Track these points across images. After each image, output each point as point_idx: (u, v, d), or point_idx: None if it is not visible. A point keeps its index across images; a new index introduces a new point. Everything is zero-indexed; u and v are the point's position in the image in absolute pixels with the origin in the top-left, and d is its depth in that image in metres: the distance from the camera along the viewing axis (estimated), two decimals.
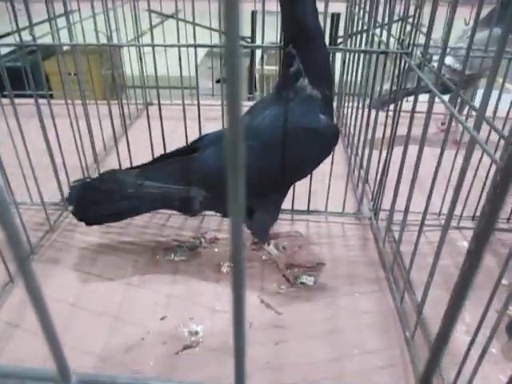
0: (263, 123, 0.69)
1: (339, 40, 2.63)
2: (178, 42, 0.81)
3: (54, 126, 0.87)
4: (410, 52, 0.75)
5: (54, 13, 0.89)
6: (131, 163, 0.92)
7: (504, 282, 0.81)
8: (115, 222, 0.85)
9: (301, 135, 0.68)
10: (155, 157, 0.82)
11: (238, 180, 0.16)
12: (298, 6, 0.63)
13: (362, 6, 1.07)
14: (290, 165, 0.71)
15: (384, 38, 0.81)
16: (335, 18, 2.91)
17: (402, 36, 0.77)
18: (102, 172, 0.83)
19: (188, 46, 0.79)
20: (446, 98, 1.24)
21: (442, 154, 0.62)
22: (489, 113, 0.57)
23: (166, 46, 0.82)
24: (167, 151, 0.89)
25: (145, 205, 0.78)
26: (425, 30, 0.69)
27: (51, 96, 1.44)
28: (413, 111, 0.72)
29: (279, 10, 0.66)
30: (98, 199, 0.79)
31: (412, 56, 0.76)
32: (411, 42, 0.75)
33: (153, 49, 0.80)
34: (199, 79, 2.84)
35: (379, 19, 0.91)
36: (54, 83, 2.52)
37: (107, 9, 1.13)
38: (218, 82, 2.46)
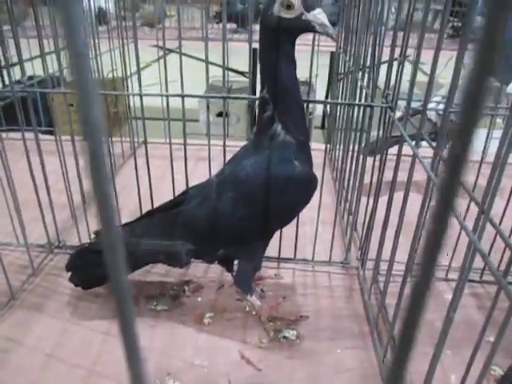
0: (241, 174, 0.70)
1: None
2: (167, 90, 0.82)
3: (41, 163, 0.87)
4: (394, 106, 0.76)
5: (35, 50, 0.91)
6: (117, 208, 0.92)
7: (490, 339, 0.79)
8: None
9: (276, 184, 0.69)
10: (143, 213, 0.84)
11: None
12: (274, 55, 0.65)
13: (352, 51, 1.09)
14: (268, 213, 0.71)
15: (370, 90, 0.83)
16: (333, 56, 2.98)
17: (386, 90, 0.78)
18: (96, 230, 0.83)
19: (176, 95, 0.81)
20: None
21: (424, 200, 0.61)
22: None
23: (153, 95, 0.83)
24: (155, 198, 0.90)
25: (135, 262, 0.78)
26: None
27: (50, 132, 1.46)
28: (397, 161, 0.73)
29: None
30: (93, 262, 0.79)
31: (396, 109, 0.77)
32: (395, 96, 0.76)
33: (141, 98, 0.82)
34: (199, 113, 2.85)
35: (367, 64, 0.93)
36: (54, 115, 2.57)
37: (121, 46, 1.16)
38: (218, 115, 2.51)
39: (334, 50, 2.08)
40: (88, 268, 0.80)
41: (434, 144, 0.61)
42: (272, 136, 0.69)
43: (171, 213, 0.76)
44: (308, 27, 0.63)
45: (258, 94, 0.71)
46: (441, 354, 0.52)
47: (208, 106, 0.80)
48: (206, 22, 0.81)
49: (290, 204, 0.72)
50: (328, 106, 2.21)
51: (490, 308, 0.44)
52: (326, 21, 0.62)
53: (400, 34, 0.75)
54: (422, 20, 0.63)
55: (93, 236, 0.87)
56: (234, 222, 0.71)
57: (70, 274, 0.82)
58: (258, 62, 0.69)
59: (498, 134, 0.89)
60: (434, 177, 0.56)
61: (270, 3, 0.63)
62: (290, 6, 0.61)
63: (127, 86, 1.20)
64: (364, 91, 0.90)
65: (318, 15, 0.62)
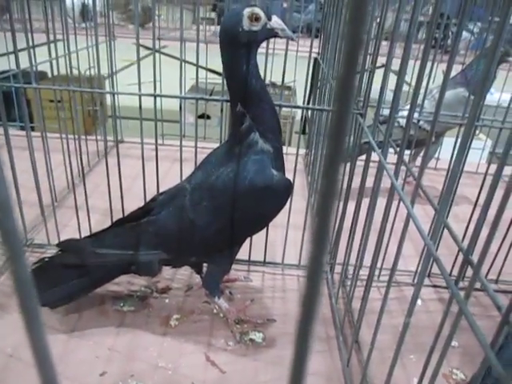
0: (217, 183, 0.69)
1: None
2: (140, 91, 0.81)
3: (10, 159, 0.85)
4: (364, 113, 0.77)
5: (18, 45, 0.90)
6: (87, 208, 0.91)
7: (454, 343, 0.80)
8: (79, 298, 0.79)
9: (254, 194, 0.69)
10: (112, 222, 0.81)
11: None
12: (243, 67, 0.65)
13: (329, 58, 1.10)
14: (245, 222, 0.71)
15: None
16: (316, 62, 3.00)
17: (357, 97, 0.79)
18: (59, 242, 0.80)
19: (148, 95, 0.80)
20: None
21: (387, 206, 0.62)
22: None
23: (127, 94, 0.82)
24: (127, 198, 0.88)
25: (104, 275, 0.77)
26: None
27: (32, 128, 1.42)
28: (365, 166, 0.74)
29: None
30: (58, 278, 0.76)
31: (366, 116, 0.78)
32: (365, 103, 0.77)
33: (114, 96, 0.81)
34: (183, 114, 2.86)
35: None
36: (34, 110, 2.52)
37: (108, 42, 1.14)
38: (199, 117, 2.51)
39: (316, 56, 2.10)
40: (52, 285, 0.75)
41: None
42: (250, 145, 0.69)
43: (142, 222, 0.74)
44: (272, 34, 0.66)
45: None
46: (397, 359, 0.53)
47: (181, 107, 0.80)
48: (182, 22, 0.81)
49: (268, 212, 0.72)
50: (309, 110, 2.24)
51: (444, 314, 0.45)
52: (284, 26, 0.66)
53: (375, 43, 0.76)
54: (408, 31, 0.64)
55: (55, 250, 0.81)
56: (210, 231, 0.70)
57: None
58: (225, 78, 0.69)
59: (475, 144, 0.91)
60: (397, 183, 0.57)
61: (238, 20, 0.63)
62: (257, 19, 0.63)
63: (103, 85, 1.19)
64: None
65: (279, 21, 0.65)
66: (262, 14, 0.63)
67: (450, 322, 0.87)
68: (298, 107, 0.83)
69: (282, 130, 0.73)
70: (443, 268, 0.42)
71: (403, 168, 0.61)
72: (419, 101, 1.25)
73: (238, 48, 0.65)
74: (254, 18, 0.63)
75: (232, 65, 0.66)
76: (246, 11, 0.63)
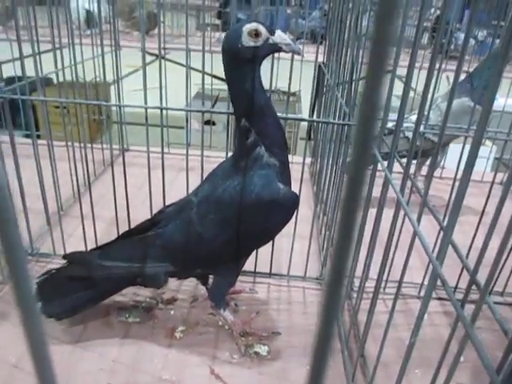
0: (224, 197, 0.69)
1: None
2: (145, 102, 0.82)
3: (16, 167, 0.85)
4: None
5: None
6: (93, 217, 0.91)
7: (461, 358, 0.79)
8: (85, 310, 0.78)
9: (261, 207, 0.69)
10: (118, 232, 0.82)
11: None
12: (246, 83, 0.65)
13: (333, 67, 1.10)
14: (251, 236, 0.72)
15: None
16: (320, 68, 3.00)
17: None
18: (66, 254, 0.80)
19: (155, 107, 0.80)
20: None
21: (395, 217, 0.62)
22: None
23: (133, 106, 0.83)
24: (132, 208, 0.89)
25: (111, 287, 0.77)
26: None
27: (38, 136, 1.41)
28: (371, 179, 0.74)
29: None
30: (65, 290, 0.76)
31: None
32: None
33: (120, 109, 0.81)
34: (188, 124, 2.87)
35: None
36: (40, 116, 2.54)
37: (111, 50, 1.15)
38: (206, 123, 2.52)
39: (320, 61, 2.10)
40: (59, 297, 0.76)
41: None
42: (255, 158, 0.69)
43: (149, 235, 0.74)
44: (275, 49, 0.65)
45: None
46: (403, 377, 0.52)
47: (187, 119, 0.80)
48: (187, 31, 0.82)
49: (274, 226, 0.72)
50: (314, 116, 2.24)
51: (449, 336, 0.45)
52: (289, 40, 0.65)
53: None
54: (415, 38, 0.64)
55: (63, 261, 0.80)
56: (216, 244, 0.71)
57: (40, 304, 0.75)
58: (229, 93, 0.69)
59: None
60: (402, 197, 0.57)
61: (237, 36, 0.63)
62: (257, 35, 0.63)
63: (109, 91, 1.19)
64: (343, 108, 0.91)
65: (283, 36, 0.65)
66: (262, 30, 0.63)
67: (456, 335, 0.86)
68: (304, 120, 0.83)
69: (287, 144, 0.73)
70: (450, 291, 0.42)
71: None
72: (425, 111, 1.25)
73: (240, 64, 0.65)
74: (254, 34, 0.62)
75: (235, 81, 0.67)
76: (246, 27, 0.62)
